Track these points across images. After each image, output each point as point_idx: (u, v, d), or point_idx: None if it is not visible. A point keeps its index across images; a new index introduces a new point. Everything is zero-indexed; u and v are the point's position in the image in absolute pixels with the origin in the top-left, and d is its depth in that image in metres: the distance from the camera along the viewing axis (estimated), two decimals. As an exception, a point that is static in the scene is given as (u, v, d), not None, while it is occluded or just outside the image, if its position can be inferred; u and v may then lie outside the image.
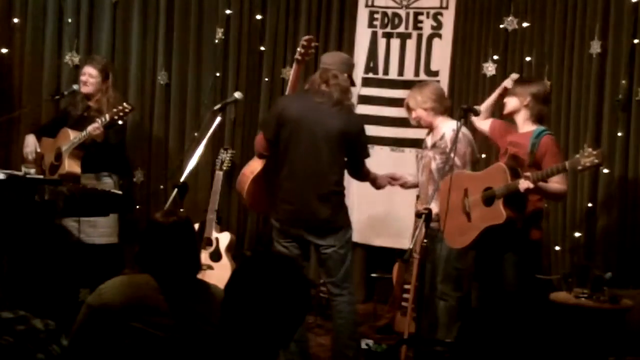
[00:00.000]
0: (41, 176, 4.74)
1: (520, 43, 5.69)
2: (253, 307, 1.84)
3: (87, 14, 6.21)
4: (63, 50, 6.23)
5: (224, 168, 5.42)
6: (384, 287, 5.65)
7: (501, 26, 5.74)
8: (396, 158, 5.89)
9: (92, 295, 2.65)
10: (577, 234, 5.46)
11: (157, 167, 6.25)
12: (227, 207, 6.11)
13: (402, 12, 5.99)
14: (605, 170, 5.31)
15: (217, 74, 6.18)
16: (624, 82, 5.30)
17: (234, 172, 5.50)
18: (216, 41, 6.18)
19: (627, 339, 4.61)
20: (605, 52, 5.39)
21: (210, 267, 5.13)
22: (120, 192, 4.74)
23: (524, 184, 3.87)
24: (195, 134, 5.88)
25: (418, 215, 3.87)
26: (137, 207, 6.03)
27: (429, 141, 4.56)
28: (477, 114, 4.25)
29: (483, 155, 5.10)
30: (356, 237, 4.98)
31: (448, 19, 5.89)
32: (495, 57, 5.75)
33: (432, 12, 5.92)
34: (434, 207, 3.98)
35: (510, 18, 5.71)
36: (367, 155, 4.33)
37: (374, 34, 6.06)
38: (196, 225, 3.93)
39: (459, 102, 5.35)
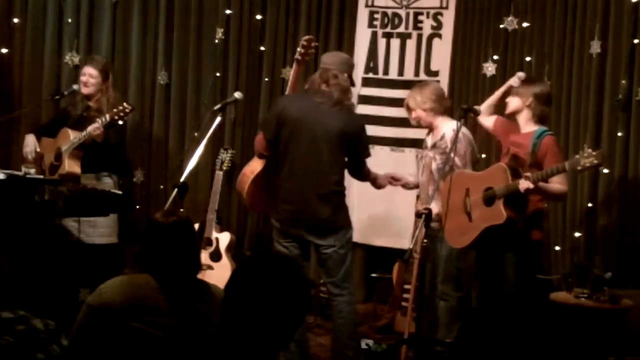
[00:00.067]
0: (41, 176, 4.75)
1: (520, 43, 5.69)
2: (253, 307, 1.84)
3: (87, 14, 6.20)
4: (63, 50, 6.22)
5: (224, 168, 5.42)
6: (384, 287, 5.64)
7: (501, 26, 5.74)
8: (396, 158, 5.89)
9: (92, 295, 2.65)
10: (577, 234, 5.46)
11: (157, 167, 6.25)
12: (227, 207, 6.11)
13: (402, 12, 5.99)
14: (605, 170, 5.31)
15: (217, 74, 6.17)
16: (623, 82, 5.30)
17: (234, 172, 5.50)
18: (216, 41, 6.17)
19: (627, 339, 4.61)
20: (605, 52, 5.38)
21: (210, 267, 5.13)
22: (120, 192, 4.74)
23: (524, 184, 3.86)
24: (195, 134, 5.87)
25: (418, 215, 3.87)
26: (137, 207, 6.02)
27: (429, 141, 4.56)
28: (477, 114, 4.25)
29: (483, 155, 5.09)
30: (356, 237, 4.98)
31: (448, 19, 5.88)
32: (495, 57, 5.74)
33: (432, 12, 5.92)
34: (434, 207, 3.99)
35: (510, 18, 5.71)
36: (368, 155, 4.32)
37: (374, 34, 6.05)
38: (196, 225, 3.94)
39: (459, 102, 5.34)
